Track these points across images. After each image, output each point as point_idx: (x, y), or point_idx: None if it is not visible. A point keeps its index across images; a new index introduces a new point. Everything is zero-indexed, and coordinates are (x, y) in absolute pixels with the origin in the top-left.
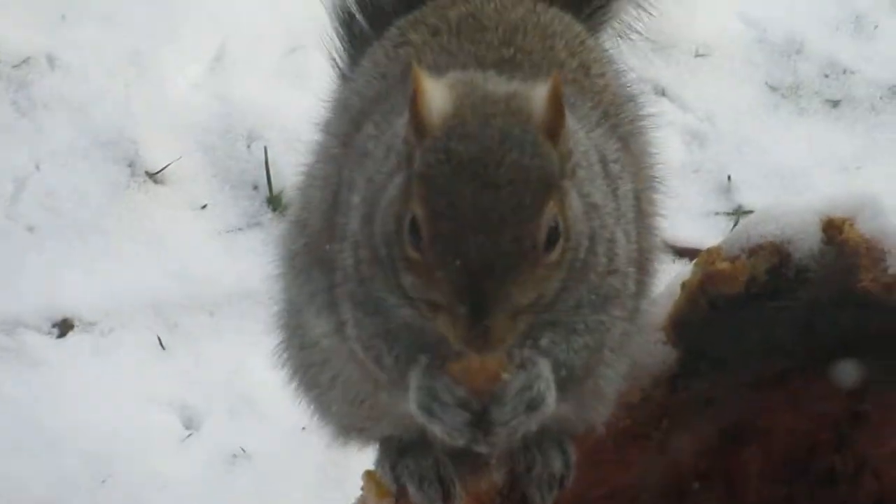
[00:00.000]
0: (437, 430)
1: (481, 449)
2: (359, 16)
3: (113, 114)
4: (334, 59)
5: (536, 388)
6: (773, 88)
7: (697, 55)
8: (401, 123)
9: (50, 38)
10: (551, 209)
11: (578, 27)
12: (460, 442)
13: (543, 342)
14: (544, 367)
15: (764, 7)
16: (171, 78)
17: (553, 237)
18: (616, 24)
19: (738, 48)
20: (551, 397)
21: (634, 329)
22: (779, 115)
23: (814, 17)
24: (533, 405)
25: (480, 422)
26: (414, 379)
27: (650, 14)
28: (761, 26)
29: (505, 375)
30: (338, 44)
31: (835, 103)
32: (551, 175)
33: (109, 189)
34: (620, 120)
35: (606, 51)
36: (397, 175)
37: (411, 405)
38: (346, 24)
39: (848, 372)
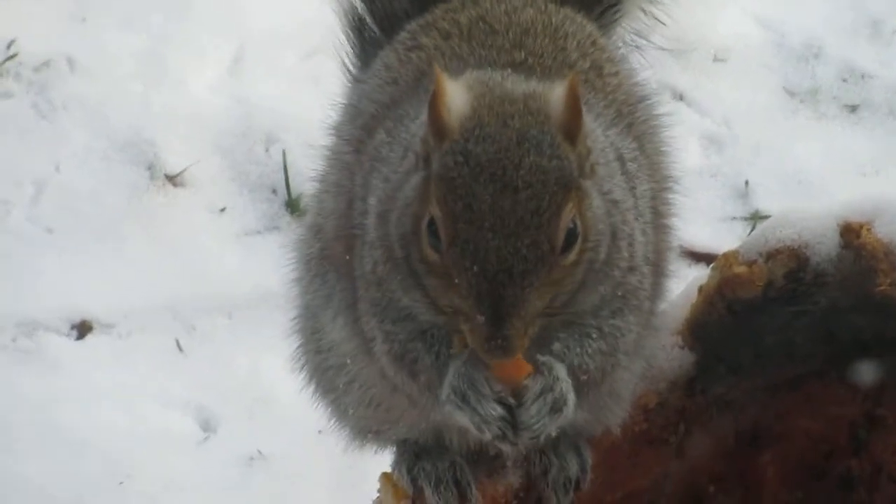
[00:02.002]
0: (466, 419)
1: (506, 447)
2: (369, 20)
3: (132, 117)
4: (345, 63)
5: (558, 391)
6: (791, 93)
7: (716, 60)
8: (418, 123)
9: (70, 41)
10: (569, 211)
11: (590, 27)
12: (488, 435)
13: (556, 347)
14: (562, 371)
15: (782, 12)
16: (190, 81)
17: (571, 239)
18: (631, 28)
19: (756, 53)
20: (572, 399)
21: (648, 332)
22: (796, 120)
23: (832, 22)
24: (556, 406)
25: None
26: (452, 367)
27: (659, 20)
28: (779, 31)
29: (525, 381)
30: (349, 48)
31: (853, 108)
32: (569, 177)
33: (128, 191)
34: (634, 119)
35: (619, 50)
36: (414, 175)
37: (444, 391)
38: (357, 29)
39: (865, 373)
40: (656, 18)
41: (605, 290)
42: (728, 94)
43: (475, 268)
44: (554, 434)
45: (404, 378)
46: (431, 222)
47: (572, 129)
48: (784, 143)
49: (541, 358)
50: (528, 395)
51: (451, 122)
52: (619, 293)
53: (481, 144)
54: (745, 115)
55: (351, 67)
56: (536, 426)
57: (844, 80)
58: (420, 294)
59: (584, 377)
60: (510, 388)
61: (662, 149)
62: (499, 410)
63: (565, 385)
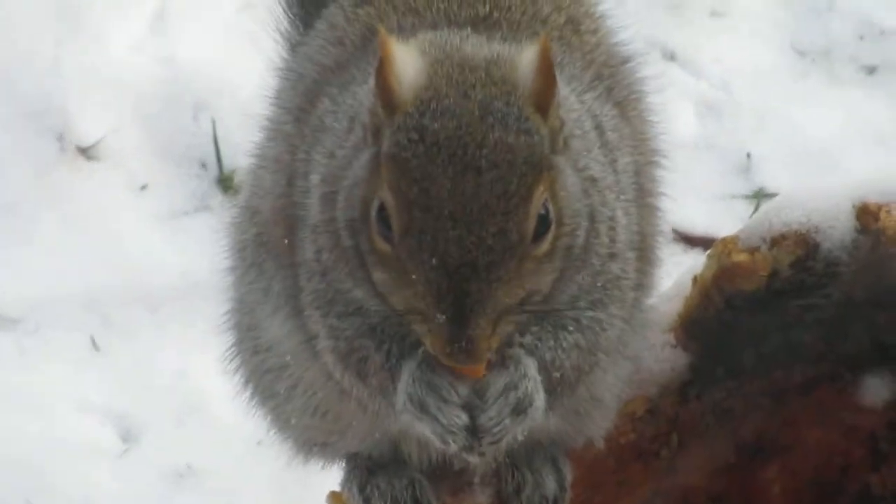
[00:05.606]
0: (427, 429)
1: (473, 458)
2: None
3: (40, 79)
4: (283, 27)
5: (523, 389)
6: (801, 53)
7: (713, 14)
8: (365, 90)
9: None
10: (541, 194)
11: None
12: (453, 447)
13: (527, 339)
14: (530, 367)
15: None
16: (107, 38)
17: (543, 226)
18: None
19: (760, 6)
20: (540, 399)
21: (633, 329)
22: (807, 83)
23: None
24: (520, 408)
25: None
26: (407, 371)
27: None
28: None
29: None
30: (287, 6)
31: (871, 69)
32: (540, 154)
33: (35, 166)
34: (616, 83)
35: (599, 4)
36: (362, 151)
37: (399, 398)
38: None
39: (885, 382)
40: None
41: (583, 279)
42: (727, 53)
43: (434, 261)
44: (520, 438)
45: (352, 379)
46: (382, 209)
47: (544, 99)
48: (792, 109)
49: (508, 350)
50: (489, 393)
51: (403, 94)
52: (599, 283)
53: (438, 119)
54: (747, 77)
55: (290, 28)
56: (497, 429)
57: (861, 38)
58: (372, 287)
59: (558, 374)
60: (470, 382)
61: (648, 117)
62: (464, 418)
63: (532, 383)
